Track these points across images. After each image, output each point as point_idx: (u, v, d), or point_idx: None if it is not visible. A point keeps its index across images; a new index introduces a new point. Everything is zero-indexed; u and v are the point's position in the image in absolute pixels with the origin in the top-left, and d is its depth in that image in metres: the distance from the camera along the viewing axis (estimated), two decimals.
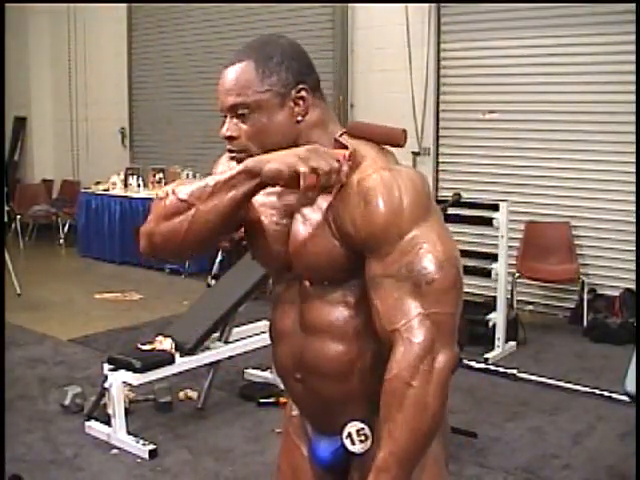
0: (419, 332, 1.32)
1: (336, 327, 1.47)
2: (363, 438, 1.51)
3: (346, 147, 1.43)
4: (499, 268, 5.05)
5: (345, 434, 1.52)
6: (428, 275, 1.33)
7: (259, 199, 1.50)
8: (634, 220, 5.49)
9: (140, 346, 3.93)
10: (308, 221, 1.45)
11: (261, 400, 4.20)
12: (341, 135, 1.46)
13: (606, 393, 4.25)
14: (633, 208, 5.57)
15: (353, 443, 1.52)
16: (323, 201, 1.44)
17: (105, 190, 8.53)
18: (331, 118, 1.49)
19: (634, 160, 5.52)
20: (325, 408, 1.54)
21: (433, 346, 1.32)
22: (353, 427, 1.52)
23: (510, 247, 5.34)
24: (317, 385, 1.52)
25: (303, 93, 1.42)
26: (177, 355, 3.90)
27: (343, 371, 1.48)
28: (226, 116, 1.45)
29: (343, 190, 1.40)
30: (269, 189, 1.45)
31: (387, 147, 1.50)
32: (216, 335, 4.20)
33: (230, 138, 1.44)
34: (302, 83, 1.43)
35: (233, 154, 1.45)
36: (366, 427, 1.52)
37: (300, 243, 1.46)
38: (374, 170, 1.38)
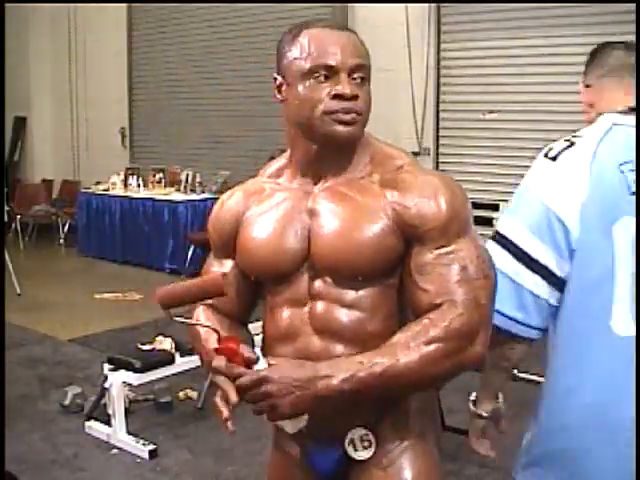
0: (467, 308, 1.35)
1: (350, 329, 1.43)
2: (367, 444, 1.48)
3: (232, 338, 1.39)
4: None
5: (347, 441, 1.48)
6: (485, 270, 1.39)
7: (252, 215, 1.51)
8: None
9: (140, 346, 3.93)
10: (340, 215, 1.42)
11: None
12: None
13: None
14: None
15: (356, 450, 1.48)
16: (356, 194, 1.43)
17: (105, 190, 8.53)
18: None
19: None
20: (331, 414, 1.45)
21: (479, 326, 1.36)
22: (356, 433, 1.48)
23: None
24: None
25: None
26: (177, 355, 3.90)
27: None
28: (325, 76, 1.37)
29: (398, 183, 1.42)
30: (261, 196, 1.51)
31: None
32: None
33: (356, 97, 1.38)
34: None
35: (351, 115, 1.38)
36: (370, 433, 1.48)
37: (334, 238, 1.41)
38: (424, 173, 1.45)
